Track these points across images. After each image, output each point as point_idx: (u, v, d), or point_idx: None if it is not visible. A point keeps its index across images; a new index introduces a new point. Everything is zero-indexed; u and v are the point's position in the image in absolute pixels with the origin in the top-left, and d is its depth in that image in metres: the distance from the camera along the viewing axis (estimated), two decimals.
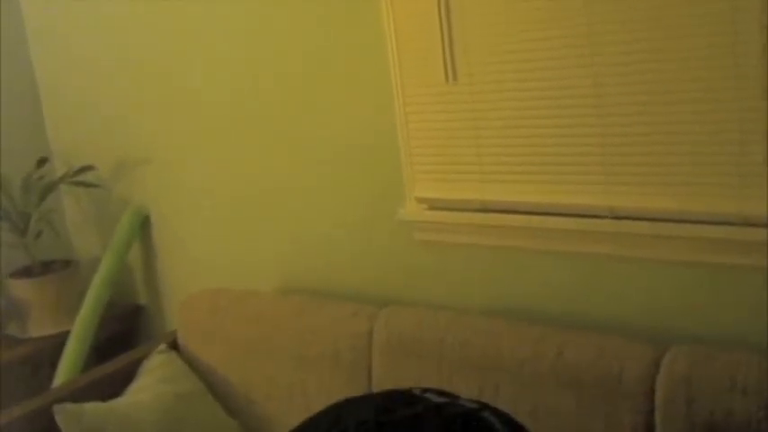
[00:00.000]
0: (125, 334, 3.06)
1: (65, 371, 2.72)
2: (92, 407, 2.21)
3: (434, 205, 2.19)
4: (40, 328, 2.95)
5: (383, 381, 2.05)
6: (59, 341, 2.81)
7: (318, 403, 2.12)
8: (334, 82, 2.32)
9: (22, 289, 2.95)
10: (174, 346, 2.53)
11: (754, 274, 1.70)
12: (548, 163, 1.95)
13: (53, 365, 2.77)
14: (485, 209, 2.08)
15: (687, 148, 1.72)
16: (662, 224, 1.79)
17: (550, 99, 1.90)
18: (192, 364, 2.46)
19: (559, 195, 1.94)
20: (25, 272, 2.98)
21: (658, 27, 1.70)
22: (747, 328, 1.73)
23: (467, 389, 1.85)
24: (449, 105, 2.08)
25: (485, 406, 1.36)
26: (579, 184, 1.91)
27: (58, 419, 2.13)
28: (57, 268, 3.02)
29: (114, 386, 2.38)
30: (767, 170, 1.62)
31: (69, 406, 2.16)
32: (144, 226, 3.02)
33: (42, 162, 2.99)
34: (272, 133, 2.53)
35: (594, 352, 1.75)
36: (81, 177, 2.97)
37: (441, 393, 1.42)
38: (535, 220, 1.99)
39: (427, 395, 1.40)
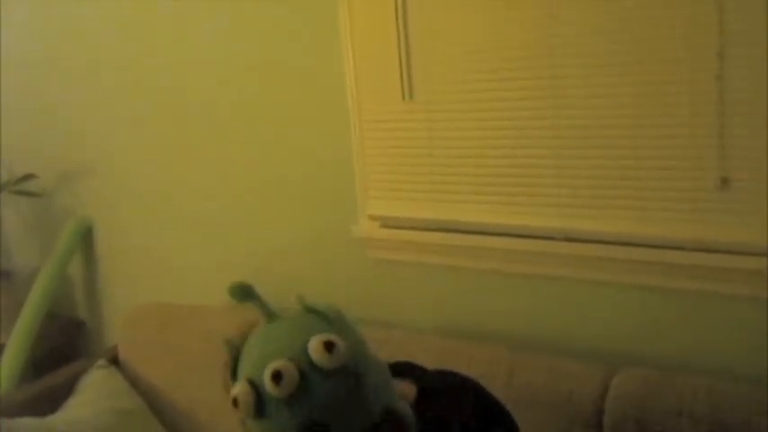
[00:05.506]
0: (63, 349, 2.98)
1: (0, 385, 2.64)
2: (28, 422, 2.15)
3: (387, 223, 2.18)
4: None
5: None
6: None
7: None
8: (291, 96, 2.31)
9: None
10: (114, 361, 2.46)
11: (707, 299, 1.73)
12: (502, 184, 1.96)
13: None
14: (437, 228, 2.08)
15: (641, 173, 1.75)
16: (615, 247, 1.81)
17: (506, 120, 1.92)
18: (134, 381, 2.40)
19: (513, 217, 1.95)
20: None
21: (617, 53, 1.73)
22: (698, 352, 1.75)
23: None
24: (405, 124, 2.08)
25: None
26: (533, 206, 1.92)
27: None
28: None
29: (51, 402, 2.31)
30: (719, 196, 1.65)
31: (4, 422, 2.11)
32: (86, 237, 2.95)
33: None
34: (225, 147, 2.50)
35: (546, 372, 1.76)
36: (22, 186, 2.90)
37: None
38: (488, 240, 1.99)
39: None
